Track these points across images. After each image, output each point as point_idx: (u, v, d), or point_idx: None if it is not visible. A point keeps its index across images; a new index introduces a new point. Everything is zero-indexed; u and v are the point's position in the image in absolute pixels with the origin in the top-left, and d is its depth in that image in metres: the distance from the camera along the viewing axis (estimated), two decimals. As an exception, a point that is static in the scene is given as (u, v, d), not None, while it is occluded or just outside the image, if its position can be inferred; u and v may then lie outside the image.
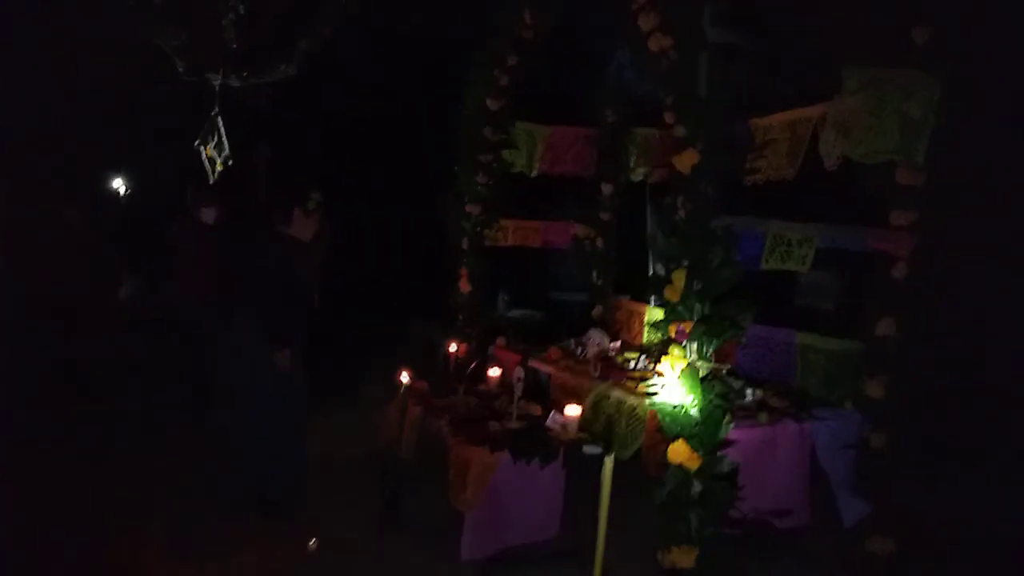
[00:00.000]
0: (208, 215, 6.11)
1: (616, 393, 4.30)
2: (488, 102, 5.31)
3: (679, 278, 3.02)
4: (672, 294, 3.09)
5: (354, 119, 6.92)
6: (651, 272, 6.78)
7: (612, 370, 4.66)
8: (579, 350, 5.38)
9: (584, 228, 6.17)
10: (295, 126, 6.60)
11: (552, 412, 4.18)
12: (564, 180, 6.11)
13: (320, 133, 6.84)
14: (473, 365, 4.94)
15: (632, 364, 4.90)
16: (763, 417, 3.66)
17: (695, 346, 3.05)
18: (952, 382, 3.42)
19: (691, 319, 3.04)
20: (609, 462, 3.15)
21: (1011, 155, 3.35)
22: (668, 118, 3.22)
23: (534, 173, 5.94)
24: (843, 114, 3.36)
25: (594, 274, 6.20)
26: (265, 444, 4.29)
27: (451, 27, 6.03)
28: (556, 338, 5.74)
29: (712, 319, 2.98)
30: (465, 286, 5.71)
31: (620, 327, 6.01)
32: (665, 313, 3.17)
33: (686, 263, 3.06)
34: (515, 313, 7.60)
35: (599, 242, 6.15)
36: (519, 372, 4.34)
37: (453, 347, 5.45)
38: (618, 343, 5.28)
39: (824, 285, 5.84)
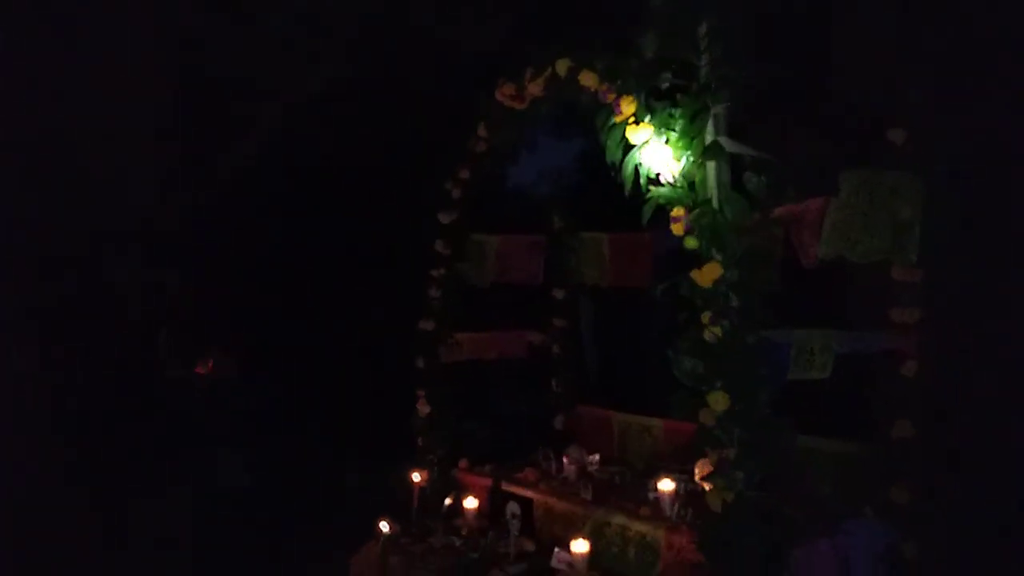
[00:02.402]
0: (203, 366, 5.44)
1: (618, 519, 3.97)
2: (440, 216, 5.07)
3: (719, 401, 2.79)
4: (708, 418, 2.85)
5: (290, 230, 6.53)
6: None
7: (605, 491, 4.34)
8: (552, 466, 5.04)
9: (539, 336, 5.92)
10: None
11: (556, 550, 3.80)
12: (514, 288, 5.89)
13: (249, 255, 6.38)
14: (450, 500, 4.50)
15: (616, 480, 4.64)
16: (792, 536, 3.43)
17: (740, 475, 2.79)
18: (980, 481, 3.30)
19: (733, 446, 2.80)
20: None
21: (1004, 245, 3.38)
22: (677, 229, 3.06)
23: (485, 284, 5.69)
24: (839, 216, 3.33)
25: (553, 382, 5.92)
26: None
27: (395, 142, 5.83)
28: (512, 453, 5.39)
29: (760, 446, 2.75)
30: (424, 407, 5.29)
31: (585, 436, 5.70)
32: (699, 438, 2.92)
33: (719, 384, 2.84)
34: (460, 426, 7.18)
35: (556, 349, 5.91)
36: (513, 507, 3.96)
37: (417, 477, 4.99)
38: (596, 457, 4.97)
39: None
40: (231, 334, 6.20)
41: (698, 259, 2.99)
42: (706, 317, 2.90)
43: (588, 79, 3.62)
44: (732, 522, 2.79)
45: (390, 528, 4.04)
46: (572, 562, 3.69)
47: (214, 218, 5.91)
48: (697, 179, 3.02)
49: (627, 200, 4.22)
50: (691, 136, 3.05)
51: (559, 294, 5.92)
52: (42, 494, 5.24)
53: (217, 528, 5.01)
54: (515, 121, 4.49)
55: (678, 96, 3.26)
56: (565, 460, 4.88)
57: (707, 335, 2.87)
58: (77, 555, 4.81)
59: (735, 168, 3.13)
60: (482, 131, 4.68)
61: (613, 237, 5.72)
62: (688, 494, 4.06)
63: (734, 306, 2.86)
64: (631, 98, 3.37)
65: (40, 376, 5.55)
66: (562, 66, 3.82)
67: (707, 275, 2.90)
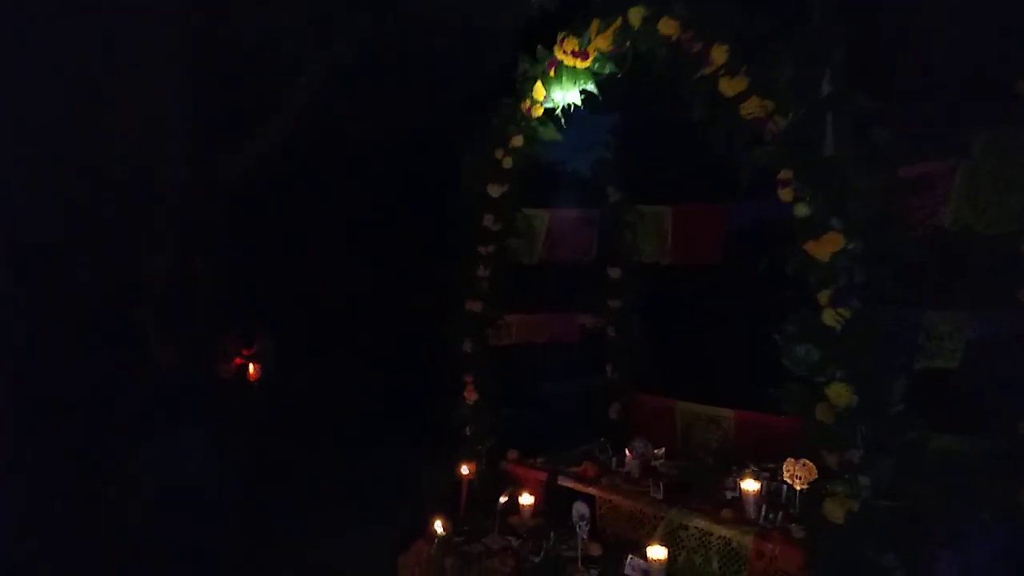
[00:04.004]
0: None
1: (697, 522, 3.57)
2: (489, 188, 4.67)
3: (840, 395, 2.38)
4: (827, 414, 2.43)
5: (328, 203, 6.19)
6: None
7: (677, 490, 3.94)
8: (611, 460, 4.64)
9: (593, 318, 5.52)
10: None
11: (629, 557, 3.42)
12: (566, 266, 5.49)
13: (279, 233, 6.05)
14: (506, 497, 4.12)
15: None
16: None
17: (866, 481, 2.38)
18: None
19: (858, 447, 2.39)
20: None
21: None
22: (786, 195, 2.63)
23: (534, 261, 5.30)
24: (967, 180, 2.88)
25: (608, 368, 5.52)
26: None
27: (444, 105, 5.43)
28: (564, 444, 5.03)
29: (891, 447, 2.33)
30: (471, 394, 4.93)
31: (644, 427, 5.30)
32: (815, 437, 2.51)
33: (839, 375, 2.42)
34: (504, 413, 6.82)
35: (611, 332, 5.50)
36: (582, 508, 3.58)
37: (465, 470, 4.64)
38: (662, 450, 4.58)
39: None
40: (264, 321, 5.90)
41: (809, 228, 2.56)
42: (825, 296, 2.47)
43: (669, 27, 3.19)
44: (856, 535, 2.37)
45: (443, 527, 3.70)
46: (648, 570, 3.31)
47: (244, 203, 5.59)
48: (811, 136, 2.58)
49: (692, 169, 3.77)
50: (803, 86, 2.62)
51: (614, 273, 5.49)
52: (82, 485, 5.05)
53: (252, 522, 4.73)
54: (577, 80, 4.06)
55: (777, 42, 2.83)
56: (628, 454, 4.49)
57: (827, 317, 2.44)
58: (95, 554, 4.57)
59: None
60: (538, 92, 4.25)
61: (678, 210, 5.27)
62: (772, 494, 3.67)
63: (858, 282, 2.44)
64: (723, 46, 2.94)
65: (51, 363, 5.31)
66: (636, 15, 3.38)
67: (826, 246, 2.47)
